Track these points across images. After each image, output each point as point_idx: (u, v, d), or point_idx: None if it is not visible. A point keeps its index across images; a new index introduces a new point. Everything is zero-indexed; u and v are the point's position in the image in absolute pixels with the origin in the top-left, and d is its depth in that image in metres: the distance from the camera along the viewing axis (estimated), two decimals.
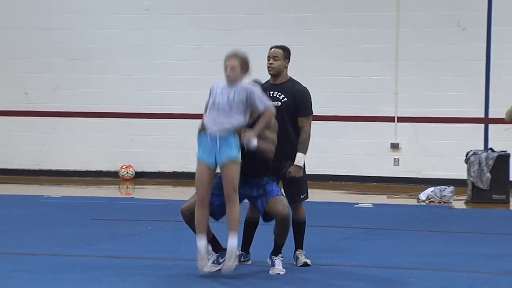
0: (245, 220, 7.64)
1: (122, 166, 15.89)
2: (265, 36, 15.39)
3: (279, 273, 7.25)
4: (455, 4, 14.93)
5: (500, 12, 14.76)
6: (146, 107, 15.95)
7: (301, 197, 7.68)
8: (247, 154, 7.04)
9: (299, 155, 7.59)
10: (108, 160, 16.05)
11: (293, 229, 7.60)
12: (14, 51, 16.21)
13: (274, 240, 7.39)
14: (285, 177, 7.52)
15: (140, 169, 15.97)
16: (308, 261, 7.60)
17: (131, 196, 14.07)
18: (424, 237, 9.63)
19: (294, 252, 7.67)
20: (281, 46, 7.82)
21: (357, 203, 12.52)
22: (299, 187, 7.66)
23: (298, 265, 7.60)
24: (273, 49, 7.75)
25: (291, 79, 7.76)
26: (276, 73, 7.69)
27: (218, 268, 7.25)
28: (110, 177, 15.93)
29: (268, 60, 7.69)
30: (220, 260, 7.34)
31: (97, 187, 14.91)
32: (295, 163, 7.56)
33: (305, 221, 7.74)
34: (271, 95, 7.56)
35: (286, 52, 7.73)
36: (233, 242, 6.93)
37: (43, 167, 16.25)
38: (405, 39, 15.11)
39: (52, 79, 16.18)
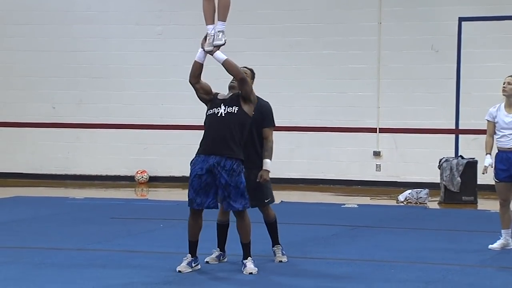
0: (217, 224, 7.48)
1: (137, 171, 15.85)
2: (264, 57, 15.41)
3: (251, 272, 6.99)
4: (429, 29, 14.93)
5: (469, 36, 14.76)
6: (158, 119, 15.92)
7: (266, 201, 7.47)
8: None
9: (267, 161, 7.43)
10: (125, 166, 16.01)
11: (267, 229, 7.52)
12: (43, 70, 16.19)
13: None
14: (253, 183, 7.26)
15: (153, 173, 15.93)
16: (284, 259, 7.44)
17: (146, 197, 14.03)
18: (403, 234, 9.60)
19: (272, 247, 7.55)
20: (249, 68, 7.75)
21: (344, 204, 12.49)
22: (264, 192, 7.45)
23: (275, 261, 7.44)
24: (243, 69, 7.65)
25: (258, 98, 7.54)
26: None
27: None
28: (127, 181, 15.89)
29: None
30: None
31: (115, 190, 14.87)
32: (264, 168, 7.39)
33: (275, 221, 7.53)
34: None
35: (252, 72, 7.67)
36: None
37: (68, 172, 16.21)
38: (386, 60, 15.10)
39: (77, 95, 16.16)
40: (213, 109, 7.09)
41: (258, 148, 7.43)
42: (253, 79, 7.62)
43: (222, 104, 7.10)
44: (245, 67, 7.59)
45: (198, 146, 7.13)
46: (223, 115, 7.03)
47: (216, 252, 7.47)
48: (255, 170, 7.34)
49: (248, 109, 7.13)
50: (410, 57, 14.97)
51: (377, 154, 15.21)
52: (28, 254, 7.87)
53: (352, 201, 12.85)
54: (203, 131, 7.15)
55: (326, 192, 14.49)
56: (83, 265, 7.38)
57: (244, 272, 6.99)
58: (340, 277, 6.95)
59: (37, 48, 16.17)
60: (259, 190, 7.38)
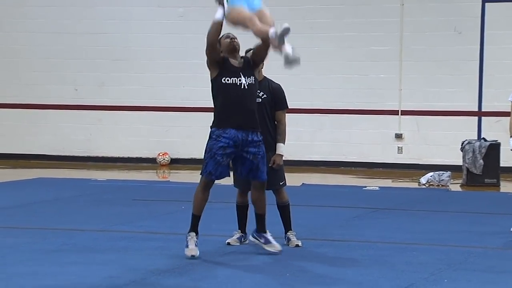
0: (237, 206, 7.42)
1: (159, 153, 15.90)
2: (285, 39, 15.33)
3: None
4: (452, 11, 14.81)
5: (492, 18, 14.63)
6: (180, 101, 15.94)
7: (280, 183, 7.38)
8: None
9: (280, 145, 7.34)
10: (147, 148, 16.07)
11: (279, 213, 7.40)
12: (65, 53, 16.25)
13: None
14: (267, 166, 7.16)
15: (175, 156, 15.98)
16: (299, 243, 7.32)
17: (167, 179, 14.08)
18: (424, 216, 9.58)
19: (285, 234, 7.41)
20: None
21: (365, 186, 12.46)
22: (278, 175, 7.36)
23: (290, 245, 7.32)
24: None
25: (265, 78, 7.48)
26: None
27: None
28: (149, 163, 15.95)
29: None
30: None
31: (137, 172, 14.94)
32: (277, 152, 7.31)
33: (289, 204, 7.43)
34: None
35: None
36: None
37: (90, 154, 16.29)
38: (408, 42, 15.01)
39: (99, 77, 16.21)
40: (233, 78, 6.87)
41: (272, 131, 7.34)
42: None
43: (241, 73, 6.91)
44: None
45: (217, 115, 6.91)
46: (246, 87, 6.86)
47: (238, 234, 7.48)
48: (270, 153, 7.26)
49: (257, 76, 7.07)
50: (432, 38, 14.86)
51: (399, 136, 15.15)
52: (51, 235, 7.93)
53: (373, 184, 12.83)
54: (220, 99, 6.87)
55: (347, 174, 14.47)
56: (105, 246, 7.43)
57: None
58: (361, 259, 6.95)
59: (59, 30, 16.22)
60: (274, 173, 7.31)
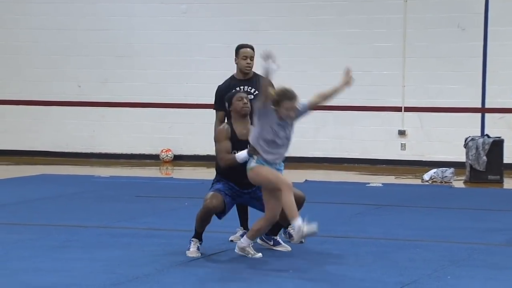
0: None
1: (162, 150, 15.91)
2: (288, 35, 15.36)
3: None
4: (455, 7, 14.79)
5: (496, 14, 14.61)
6: (183, 98, 15.94)
7: None
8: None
9: None
10: (150, 144, 16.07)
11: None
12: (69, 49, 16.26)
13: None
14: None
15: (178, 152, 15.98)
16: (303, 239, 7.23)
17: (170, 176, 14.08)
18: (428, 213, 9.57)
19: (285, 229, 7.39)
20: (251, 45, 7.56)
21: (368, 183, 12.46)
22: None
23: (292, 242, 7.25)
24: (249, 49, 7.44)
25: (255, 74, 7.51)
26: (250, 72, 7.50)
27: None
28: (152, 159, 15.96)
29: (245, 60, 7.42)
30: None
31: (140, 168, 14.95)
32: None
33: None
34: (242, 89, 7.38)
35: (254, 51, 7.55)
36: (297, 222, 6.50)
37: (93, 150, 16.30)
38: (411, 38, 14.99)
39: (102, 74, 16.21)
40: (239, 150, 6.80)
41: None
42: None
43: (248, 145, 6.71)
44: (249, 47, 7.43)
45: (223, 172, 6.90)
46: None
47: (240, 231, 7.48)
48: None
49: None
50: (436, 35, 14.84)
51: (402, 133, 15.15)
52: (54, 232, 7.94)
53: (376, 180, 12.82)
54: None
55: (350, 171, 14.46)
56: (109, 242, 7.43)
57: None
58: (365, 256, 6.95)
59: (61, 27, 16.22)
60: None
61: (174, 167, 15.26)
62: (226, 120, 7.22)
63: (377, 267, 6.48)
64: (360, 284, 6.03)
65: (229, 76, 7.62)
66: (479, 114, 14.78)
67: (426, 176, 12.86)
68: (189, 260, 6.69)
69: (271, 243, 7.09)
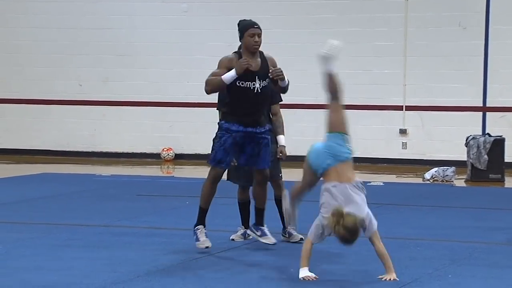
0: (239, 203, 7.41)
1: (163, 149, 15.91)
2: (289, 34, 15.37)
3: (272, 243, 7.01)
4: (456, 6, 14.79)
5: (497, 13, 14.60)
6: (184, 97, 15.94)
7: (280, 175, 7.45)
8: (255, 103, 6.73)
9: (282, 137, 7.43)
10: (151, 143, 16.08)
11: (279, 208, 7.36)
12: (69, 48, 16.26)
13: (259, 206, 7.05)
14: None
15: (179, 151, 15.99)
16: (303, 236, 7.25)
17: (171, 175, 14.09)
18: (429, 212, 9.57)
19: (285, 229, 7.39)
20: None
21: (369, 182, 12.44)
22: (278, 166, 7.44)
23: (292, 240, 7.30)
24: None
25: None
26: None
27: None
28: (153, 158, 15.96)
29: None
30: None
31: (141, 167, 14.95)
32: (281, 144, 7.39)
33: None
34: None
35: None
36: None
37: (94, 149, 16.31)
38: (412, 37, 14.99)
39: (103, 73, 16.22)
40: (247, 83, 6.75)
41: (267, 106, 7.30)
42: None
43: (256, 77, 6.76)
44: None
45: (227, 112, 6.85)
46: (259, 90, 6.77)
47: (241, 230, 7.48)
48: (272, 144, 7.21)
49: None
50: (437, 34, 14.84)
51: (403, 132, 15.14)
52: (56, 230, 7.94)
53: (377, 179, 12.82)
54: (232, 99, 6.78)
55: None
56: (110, 241, 7.43)
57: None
58: (366, 254, 6.94)
59: (62, 26, 16.23)
60: (277, 164, 7.38)
61: (175, 166, 15.27)
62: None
63: (378, 266, 6.47)
64: (361, 283, 6.03)
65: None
66: (480, 113, 14.78)
67: (427, 175, 12.86)
68: (190, 259, 6.69)
69: (259, 233, 7.04)
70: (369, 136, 15.24)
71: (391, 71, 15.11)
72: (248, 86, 6.77)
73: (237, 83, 6.74)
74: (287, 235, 7.42)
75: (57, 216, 8.88)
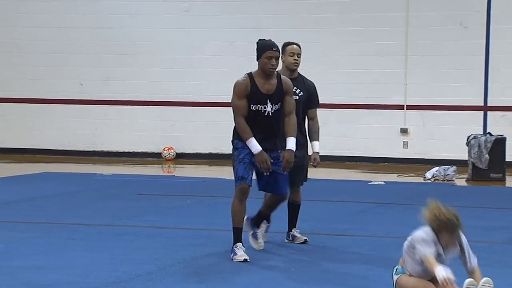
0: (288, 203, 7.23)
1: (164, 148, 15.91)
2: (290, 34, 15.31)
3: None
4: (457, 5, 14.78)
5: (498, 12, 14.60)
6: (185, 96, 15.95)
7: (305, 182, 7.38)
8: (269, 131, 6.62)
9: (317, 143, 7.34)
10: (152, 142, 16.08)
11: (289, 210, 7.28)
12: (71, 47, 16.27)
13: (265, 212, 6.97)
14: (296, 163, 6.87)
15: (180, 150, 15.99)
16: (307, 238, 7.23)
17: (172, 174, 14.09)
18: None
19: (289, 232, 7.33)
20: (297, 43, 7.37)
21: (371, 181, 12.45)
22: (306, 173, 7.37)
23: (296, 242, 7.23)
24: (295, 46, 7.25)
25: (300, 75, 7.38)
26: (296, 69, 7.29)
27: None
28: (154, 157, 15.97)
29: (292, 56, 7.20)
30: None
31: (142, 166, 14.95)
32: (316, 150, 7.29)
33: (300, 204, 7.37)
34: None
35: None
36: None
37: (95, 148, 16.31)
38: (413, 37, 14.98)
39: (104, 72, 16.22)
40: (259, 105, 6.63)
41: (303, 128, 7.25)
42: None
43: (268, 100, 6.62)
44: (297, 45, 7.22)
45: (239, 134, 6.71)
46: (271, 114, 6.63)
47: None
48: (302, 151, 7.16)
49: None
50: (438, 33, 14.83)
51: (404, 131, 15.14)
52: (57, 229, 7.95)
53: (379, 178, 12.81)
54: (247, 120, 6.65)
55: (352, 169, 14.46)
56: (111, 240, 7.44)
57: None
58: (367, 254, 6.95)
59: (64, 25, 16.24)
60: (302, 170, 7.26)
61: (176, 165, 15.27)
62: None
63: (379, 265, 6.48)
64: (361, 282, 6.03)
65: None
66: (481, 112, 14.78)
67: (428, 174, 12.85)
68: (191, 258, 6.69)
69: (251, 232, 6.94)
70: (370, 135, 15.24)
71: (392, 70, 15.10)
72: (259, 109, 6.65)
73: (250, 107, 6.63)
74: (290, 238, 7.36)
75: (58, 215, 8.89)
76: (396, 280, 5.43)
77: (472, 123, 14.61)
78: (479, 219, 8.92)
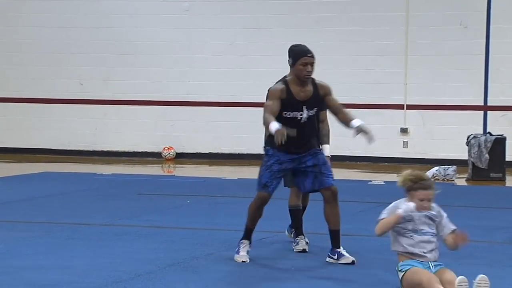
0: (289, 210, 7.13)
1: (164, 148, 15.91)
2: (290, 33, 15.33)
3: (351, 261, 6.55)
4: (458, 5, 14.78)
5: (498, 12, 14.60)
6: (185, 96, 15.95)
7: None
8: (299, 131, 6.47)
9: (328, 146, 7.22)
10: (152, 142, 16.08)
11: (299, 216, 7.16)
12: (71, 47, 16.27)
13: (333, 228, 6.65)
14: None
15: (180, 150, 15.99)
16: (307, 248, 7.04)
17: (172, 174, 14.09)
18: None
19: (290, 227, 7.24)
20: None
21: (370, 181, 12.45)
22: None
23: (296, 250, 6.99)
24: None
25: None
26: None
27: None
28: (154, 157, 15.97)
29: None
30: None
31: (142, 166, 14.95)
32: (326, 154, 7.13)
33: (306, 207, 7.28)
34: None
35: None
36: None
37: (96, 148, 16.32)
38: (413, 36, 14.98)
39: (104, 72, 16.22)
40: (294, 113, 6.48)
41: (316, 131, 7.08)
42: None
43: (304, 107, 6.52)
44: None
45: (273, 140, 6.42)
46: (305, 120, 6.55)
47: (303, 240, 7.09)
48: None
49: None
50: (438, 33, 14.83)
51: (404, 130, 15.14)
52: (57, 229, 7.95)
53: (379, 178, 12.81)
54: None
55: (352, 169, 14.45)
56: (111, 240, 7.44)
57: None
58: (367, 253, 6.95)
59: (64, 25, 16.24)
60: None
61: (176, 165, 15.27)
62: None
63: (379, 265, 6.48)
64: (362, 281, 6.03)
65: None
66: (481, 112, 14.78)
67: (428, 174, 12.85)
68: (191, 258, 6.69)
69: (335, 257, 6.61)
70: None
71: (393, 70, 15.10)
72: (294, 116, 6.53)
73: (283, 114, 6.47)
74: (291, 235, 7.21)
75: (58, 215, 8.88)
76: (402, 278, 5.47)
77: (472, 122, 14.61)
78: (479, 218, 8.93)
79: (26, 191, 10.93)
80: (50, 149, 16.32)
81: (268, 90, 6.62)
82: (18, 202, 9.87)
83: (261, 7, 15.60)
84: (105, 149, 16.27)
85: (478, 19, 14.65)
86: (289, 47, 6.68)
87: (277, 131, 6.21)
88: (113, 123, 16.25)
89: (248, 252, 6.58)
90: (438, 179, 12.71)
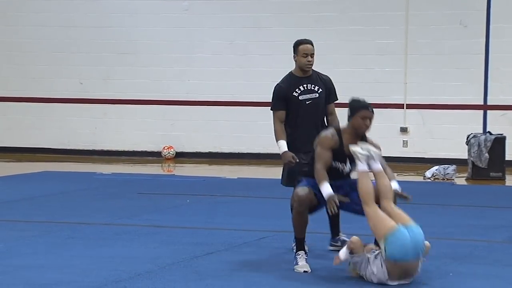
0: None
1: (164, 147, 15.91)
2: (290, 33, 15.30)
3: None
4: (457, 4, 14.78)
5: (498, 11, 14.59)
6: (185, 95, 15.94)
7: None
8: None
9: None
10: (152, 141, 16.08)
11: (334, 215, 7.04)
12: (71, 46, 16.26)
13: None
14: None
15: (180, 149, 15.99)
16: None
17: (172, 173, 14.09)
18: (429, 210, 9.56)
19: (337, 237, 7.25)
20: (310, 41, 7.17)
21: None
22: None
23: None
24: (309, 46, 6.98)
25: (313, 70, 7.23)
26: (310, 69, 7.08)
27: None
28: (154, 156, 15.96)
29: (306, 57, 6.99)
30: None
31: (142, 165, 14.95)
32: None
33: None
34: (306, 87, 7.05)
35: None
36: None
37: (95, 147, 16.31)
38: (413, 36, 14.98)
39: (104, 71, 16.22)
40: (338, 163, 6.55)
41: (320, 127, 7.07)
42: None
43: (348, 159, 6.58)
44: (310, 43, 7.08)
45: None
46: (348, 171, 6.68)
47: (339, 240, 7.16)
48: None
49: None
50: (438, 32, 14.83)
51: (404, 130, 15.14)
52: (57, 228, 7.95)
53: None
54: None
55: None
56: (111, 239, 7.44)
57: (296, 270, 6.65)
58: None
59: (64, 24, 16.23)
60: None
61: (176, 164, 15.27)
62: (284, 119, 6.85)
63: None
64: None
65: (287, 73, 7.05)
66: (481, 111, 14.77)
67: (428, 173, 12.85)
68: (191, 257, 6.69)
69: (339, 244, 6.78)
70: (370, 134, 15.20)
71: (392, 69, 15.10)
72: (337, 166, 6.55)
73: (336, 162, 6.49)
74: (339, 243, 7.11)
75: (58, 214, 8.89)
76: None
77: (472, 122, 14.60)
78: (478, 218, 8.93)
79: (26, 190, 10.93)
80: (50, 148, 16.32)
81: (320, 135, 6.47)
82: (18, 201, 9.87)
83: (261, 6, 15.59)
84: (105, 148, 16.27)
85: (478, 18, 14.65)
86: (349, 99, 6.66)
87: (330, 197, 6.20)
88: (113, 123, 16.25)
89: (306, 261, 6.35)
90: (438, 179, 12.71)
